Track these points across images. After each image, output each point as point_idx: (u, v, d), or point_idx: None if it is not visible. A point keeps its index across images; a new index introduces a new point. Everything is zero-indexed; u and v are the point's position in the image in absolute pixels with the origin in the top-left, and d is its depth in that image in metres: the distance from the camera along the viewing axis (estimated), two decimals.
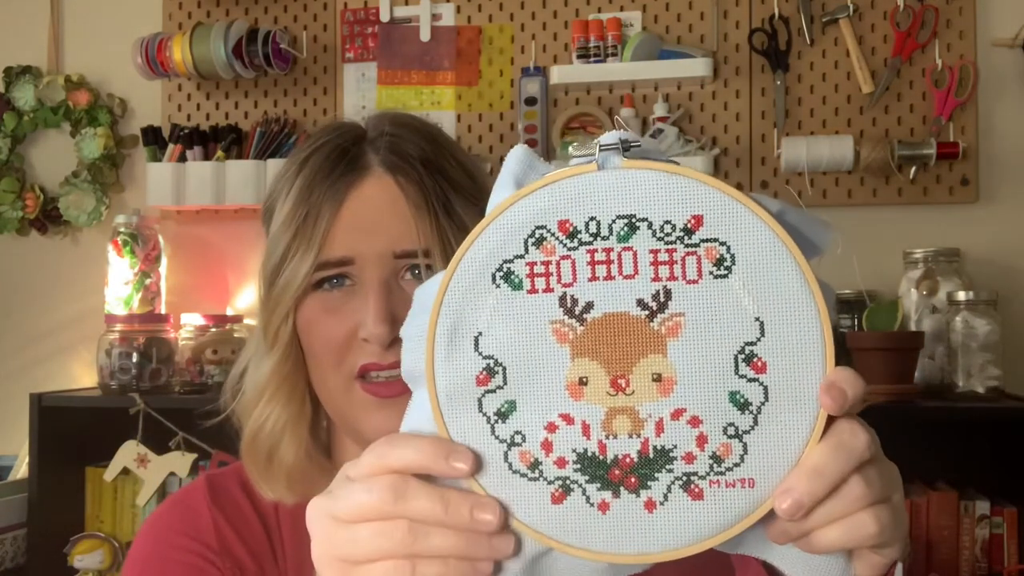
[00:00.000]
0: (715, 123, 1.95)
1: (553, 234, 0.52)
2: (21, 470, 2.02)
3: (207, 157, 2.08)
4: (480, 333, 0.52)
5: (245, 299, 2.14)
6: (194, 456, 1.82)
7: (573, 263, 0.52)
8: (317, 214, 0.82)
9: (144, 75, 2.10)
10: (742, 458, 0.51)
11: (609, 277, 0.51)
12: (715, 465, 0.51)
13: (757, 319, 0.51)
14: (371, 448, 0.53)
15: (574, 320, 0.52)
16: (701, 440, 0.51)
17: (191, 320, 1.99)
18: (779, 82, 1.92)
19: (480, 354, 0.52)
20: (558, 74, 1.95)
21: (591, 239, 0.52)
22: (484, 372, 0.52)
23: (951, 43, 1.87)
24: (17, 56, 2.27)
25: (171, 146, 2.10)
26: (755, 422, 0.51)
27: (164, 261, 2.14)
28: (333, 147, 0.86)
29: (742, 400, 0.51)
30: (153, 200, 2.09)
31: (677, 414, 0.51)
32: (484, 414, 0.52)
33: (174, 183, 2.07)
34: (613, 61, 1.94)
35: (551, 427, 0.52)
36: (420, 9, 2.07)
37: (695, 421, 0.51)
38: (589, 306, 0.52)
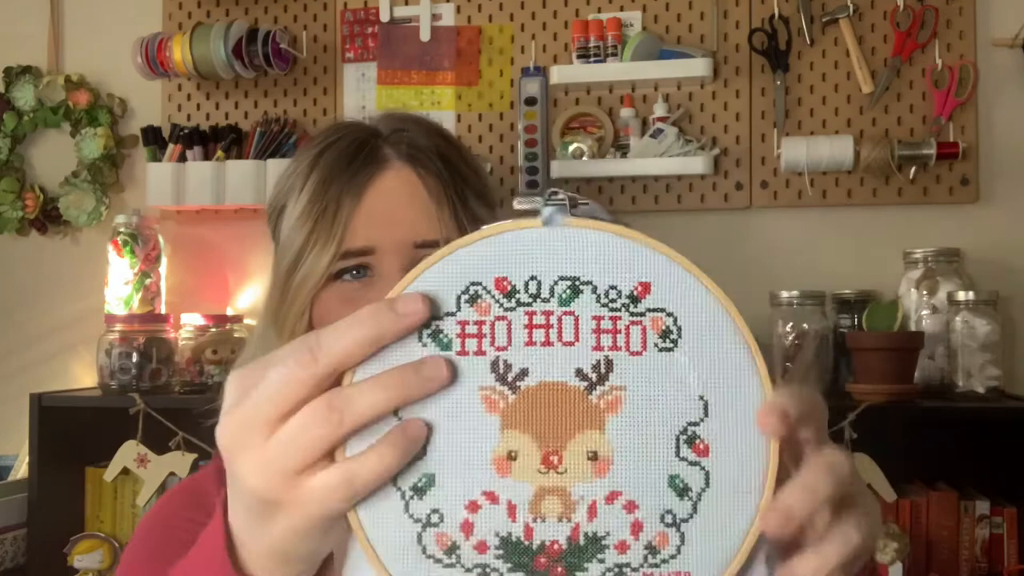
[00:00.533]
0: (715, 123, 1.95)
1: (489, 292, 0.48)
2: (21, 470, 2.02)
3: (207, 157, 2.08)
4: None
5: (245, 299, 2.14)
6: (194, 456, 1.82)
7: (509, 325, 0.47)
8: (337, 206, 0.83)
9: (144, 75, 2.10)
10: (679, 549, 0.47)
11: (547, 343, 0.47)
12: (650, 556, 0.47)
13: (701, 398, 0.47)
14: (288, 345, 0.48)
15: (506, 387, 0.47)
16: (636, 527, 0.47)
17: (191, 320, 1.99)
18: (779, 82, 1.92)
19: (399, 419, 0.47)
20: (558, 74, 1.95)
21: (530, 300, 0.47)
22: None
23: (951, 43, 1.87)
24: (17, 56, 2.27)
25: (171, 146, 2.10)
26: (694, 510, 0.47)
27: (164, 261, 2.14)
28: (349, 142, 0.87)
29: (682, 485, 0.47)
30: (153, 200, 2.09)
31: (612, 497, 0.47)
32: (399, 489, 0.47)
33: (174, 183, 2.07)
34: (613, 61, 1.94)
35: (473, 506, 0.47)
36: (420, 9, 2.07)
37: (631, 506, 0.47)
38: (524, 373, 0.47)
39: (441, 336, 0.47)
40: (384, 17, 2.09)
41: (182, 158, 2.08)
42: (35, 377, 2.17)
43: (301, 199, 0.85)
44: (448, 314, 0.47)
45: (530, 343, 0.47)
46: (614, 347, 0.47)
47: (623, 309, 0.48)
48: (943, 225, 1.88)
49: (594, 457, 0.47)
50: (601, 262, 0.48)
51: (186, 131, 2.09)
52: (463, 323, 0.47)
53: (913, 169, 1.86)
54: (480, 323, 0.47)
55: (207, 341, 1.95)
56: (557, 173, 1.94)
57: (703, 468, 0.47)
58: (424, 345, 0.47)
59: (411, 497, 0.47)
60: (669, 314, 0.48)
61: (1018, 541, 1.66)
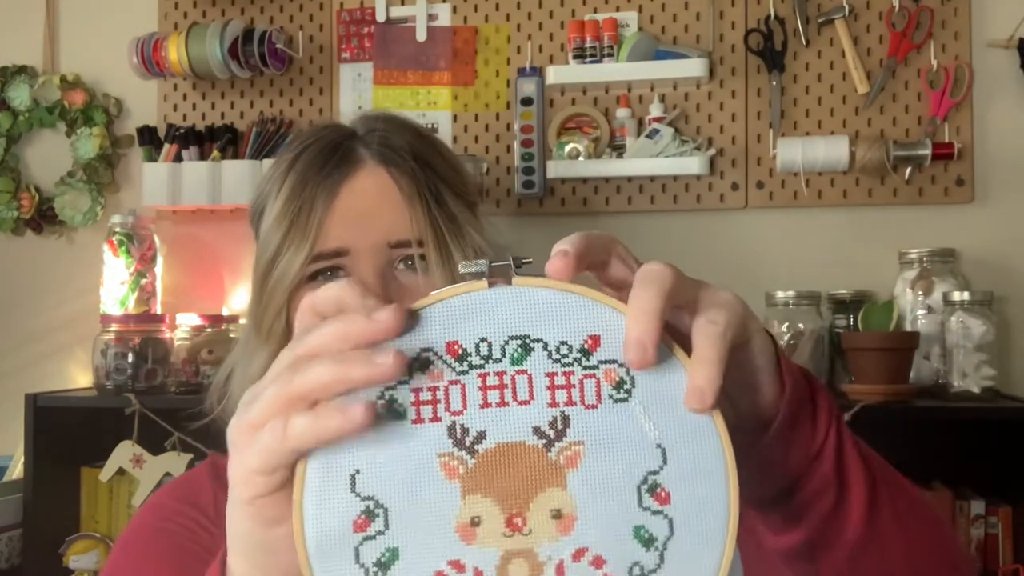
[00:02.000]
0: (711, 123, 1.95)
1: (440, 357, 0.47)
2: (16, 470, 2.01)
3: (203, 157, 2.07)
4: (358, 471, 0.46)
5: (241, 299, 2.14)
6: (190, 456, 1.82)
7: (463, 389, 0.47)
8: (311, 207, 0.84)
9: (140, 75, 2.10)
10: None
11: (502, 403, 0.47)
12: None
13: (659, 445, 0.47)
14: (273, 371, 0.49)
15: (464, 452, 0.47)
16: None
17: (187, 320, 1.99)
18: (775, 83, 1.92)
19: (358, 495, 0.46)
20: (554, 74, 1.95)
21: (482, 362, 0.47)
22: (363, 515, 0.46)
23: (946, 44, 1.88)
24: (12, 56, 2.27)
25: (167, 146, 2.09)
26: (661, 559, 0.47)
27: (160, 261, 2.14)
28: (324, 144, 0.88)
29: (647, 535, 0.47)
30: (149, 200, 2.09)
31: (579, 554, 0.47)
32: (362, 565, 0.46)
33: (170, 183, 2.06)
34: (609, 61, 1.94)
35: None
36: (416, 9, 2.07)
37: (598, 561, 0.47)
38: (481, 436, 0.47)
39: (396, 405, 0.47)
40: (380, 17, 2.09)
41: (178, 158, 2.08)
42: (31, 377, 2.17)
43: (278, 201, 0.86)
44: (400, 383, 0.47)
45: (485, 405, 0.47)
46: (569, 402, 0.47)
47: (575, 363, 0.48)
48: (938, 225, 1.88)
49: (558, 515, 0.47)
50: (550, 318, 0.48)
51: (182, 131, 2.08)
52: (416, 390, 0.47)
53: (908, 170, 1.87)
54: (434, 389, 0.47)
55: (203, 341, 1.95)
56: (553, 173, 1.94)
57: (666, 516, 0.47)
58: (378, 415, 0.46)
59: (375, 572, 0.46)
60: (621, 365, 0.48)
61: (1013, 541, 1.66)
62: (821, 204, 1.92)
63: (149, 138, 2.12)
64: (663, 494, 0.47)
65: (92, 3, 2.26)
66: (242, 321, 2.03)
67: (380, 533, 0.46)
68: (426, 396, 0.47)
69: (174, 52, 2.05)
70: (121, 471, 1.87)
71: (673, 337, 0.49)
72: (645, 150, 1.90)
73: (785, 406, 0.55)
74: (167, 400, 1.87)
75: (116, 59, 2.12)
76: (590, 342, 0.48)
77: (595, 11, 2.00)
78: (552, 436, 0.47)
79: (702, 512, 0.47)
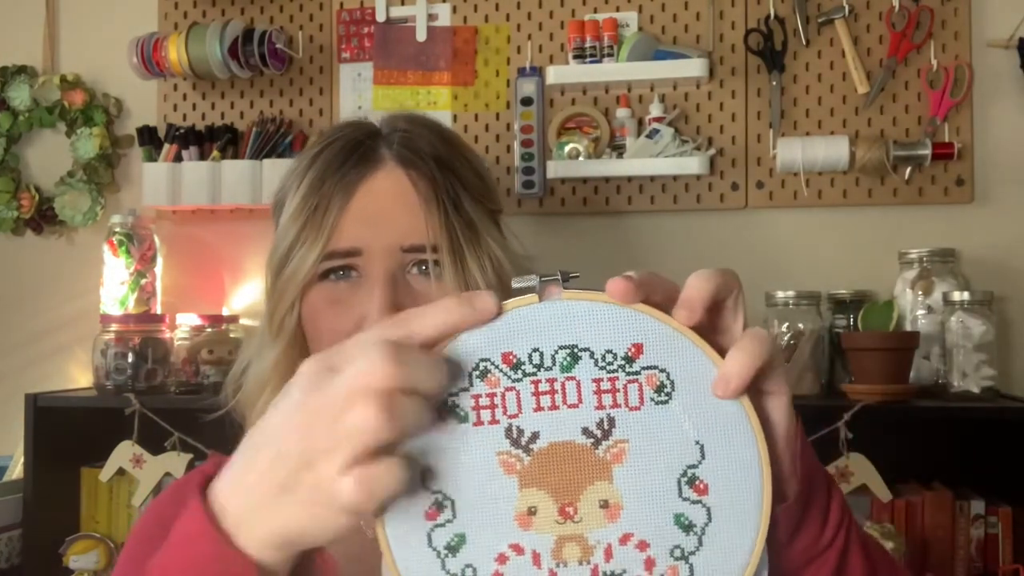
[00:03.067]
0: (711, 123, 1.95)
1: (497, 366, 0.53)
2: (16, 471, 2.01)
3: (203, 157, 2.07)
4: (427, 468, 0.52)
5: (241, 299, 2.14)
6: (190, 456, 1.82)
7: (518, 394, 0.53)
8: (327, 205, 0.83)
9: (140, 75, 2.10)
10: None
11: (554, 407, 0.53)
12: None
13: (697, 442, 0.53)
14: (377, 330, 0.52)
15: (520, 451, 0.52)
16: (649, 563, 0.53)
17: (187, 320, 1.99)
18: (775, 83, 1.92)
19: (429, 489, 0.52)
20: (554, 74, 1.95)
21: (535, 370, 0.53)
22: (433, 507, 0.52)
23: (946, 44, 1.88)
24: (12, 56, 2.27)
25: (167, 146, 2.09)
26: (700, 543, 0.53)
27: (160, 261, 2.14)
28: (346, 141, 0.87)
29: (686, 522, 0.53)
30: (149, 200, 2.09)
31: (625, 539, 0.53)
32: (434, 549, 0.53)
33: (170, 183, 2.06)
34: (609, 61, 1.94)
35: (501, 558, 0.53)
36: (416, 9, 2.07)
37: (643, 545, 0.53)
38: (535, 436, 0.53)
39: (458, 410, 0.53)
40: (380, 17, 2.09)
41: (178, 158, 2.08)
42: (30, 377, 2.17)
43: (296, 196, 0.86)
44: (462, 390, 0.53)
45: (538, 409, 0.53)
46: (615, 405, 0.53)
47: (620, 370, 0.53)
48: (938, 225, 1.88)
49: (605, 505, 0.53)
50: (596, 329, 0.53)
51: (182, 131, 2.08)
52: (476, 396, 0.53)
53: (908, 169, 1.87)
54: (492, 395, 0.53)
55: (203, 341, 1.95)
56: (553, 173, 1.94)
57: (704, 505, 0.53)
58: (443, 420, 0.52)
59: (446, 555, 0.52)
60: (662, 370, 0.53)
61: (1013, 541, 1.66)
62: (821, 204, 1.92)
63: (149, 138, 2.12)
64: (702, 486, 0.53)
65: (92, 3, 2.26)
66: (243, 321, 2.04)
67: (449, 521, 0.52)
68: (485, 401, 0.53)
69: (174, 52, 2.05)
70: (121, 471, 1.87)
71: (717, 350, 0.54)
72: (645, 150, 1.90)
73: (801, 481, 0.59)
74: (167, 400, 1.87)
75: (116, 59, 2.12)
76: (633, 350, 0.53)
77: (595, 11, 2.00)
78: (599, 435, 0.53)
79: (737, 501, 0.53)
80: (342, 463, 0.48)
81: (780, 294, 1.79)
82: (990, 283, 1.81)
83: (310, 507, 0.50)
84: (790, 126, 1.92)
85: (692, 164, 1.89)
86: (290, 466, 0.50)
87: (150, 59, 2.06)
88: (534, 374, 0.53)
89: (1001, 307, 1.83)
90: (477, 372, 0.53)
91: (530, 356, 0.53)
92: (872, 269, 1.89)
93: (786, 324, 1.77)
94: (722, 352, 0.54)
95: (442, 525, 0.52)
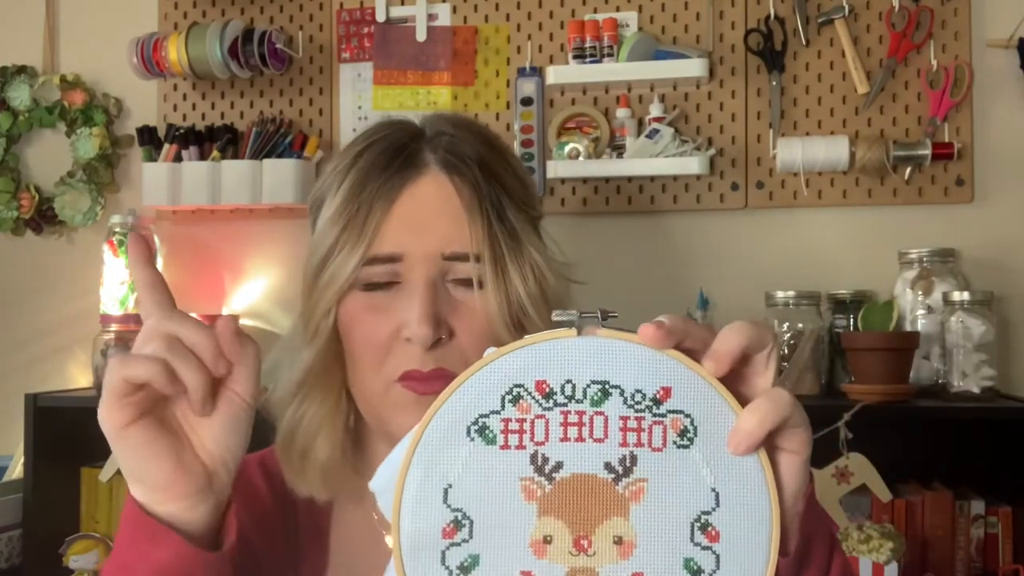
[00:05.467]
0: (711, 124, 1.95)
1: (530, 393, 0.54)
2: (16, 471, 2.01)
3: (203, 157, 2.07)
4: (450, 485, 0.53)
5: (241, 299, 2.14)
6: None
7: (547, 422, 0.54)
8: (369, 209, 0.81)
9: (140, 75, 2.10)
10: None
11: (580, 439, 0.53)
12: None
13: (713, 489, 0.54)
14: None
15: (543, 478, 0.53)
16: None
17: None
18: (775, 83, 1.92)
19: (449, 506, 0.53)
20: (554, 74, 1.95)
21: (566, 401, 0.54)
22: (451, 524, 0.53)
23: (946, 44, 1.88)
24: (12, 56, 2.27)
25: (167, 146, 2.09)
26: None
27: (160, 261, 2.14)
28: (389, 143, 0.85)
29: (695, 567, 0.53)
30: (149, 200, 2.09)
31: None
32: (447, 567, 0.53)
33: (170, 183, 2.06)
34: (609, 61, 1.94)
35: None
36: (416, 9, 2.07)
37: None
38: (559, 466, 0.53)
39: (487, 431, 0.54)
40: (380, 17, 2.09)
41: (178, 158, 2.08)
42: (30, 377, 2.17)
43: (336, 198, 0.84)
44: (493, 412, 0.54)
45: (565, 439, 0.54)
46: (638, 444, 0.54)
47: (647, 410, 0.54)
48: (938, 225, 1.88)
49: (619, 541, 0.53)
50: (628, 368, 0.54)
51: (182, 131, 2.08)
52: (506, 420, 0.54)
53: (908, 169, 1.87)
54: (521, 420, 0.54)
55: None
56: (553, 174, 1.94)
57: (714, 552, 0.53)
58: (472, 439, 0.54)
59: (457, 575, 0.53)
60: (687, 415, 0.54)
61: (1013, 541, 1.66)
62: (821, 204, 1.92)
63: (149, 138, 2.12)
64: (713, 532, 0.53)
65: (92, 3, 2.26)
66: (244, 321, 2.04)
67: (465, 541, 0.53)
68: (514, 426, 0.54)
69: (174, 52, 2.05)
70: (121, 471, 1.87)
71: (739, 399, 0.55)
72: (645, 150, 1.90)
73: (799, 540, 0.60)
74: None
75: (116, 59, 2.12)
76: (662, 392, 0.54)
77: (595, 11, 2.00)
78: (621, 472, 0.53)
79: (745, 552, 0.54)
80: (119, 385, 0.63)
81: (780, 294, 1.79)
82: (990, 283, 1.81)
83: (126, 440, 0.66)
84: (790, 126, 1.92)
85: (692, 164, 1.89)
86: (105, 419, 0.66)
87: (150, 59, 2.06)
88: (565, 405, 0.54)
89: (1001, 307, 1.83)
90: (510, 396, 0.54)
91: (563, 387, 0.54)
92: (872, 269, 1.89)
93: (786, 324, 1.77)
94: (745, 404, 0.55)
95: (458, 544, 0.53)
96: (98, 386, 1.93)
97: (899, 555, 1.49)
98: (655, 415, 0.54)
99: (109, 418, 0.63)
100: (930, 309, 1.78)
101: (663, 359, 0.54)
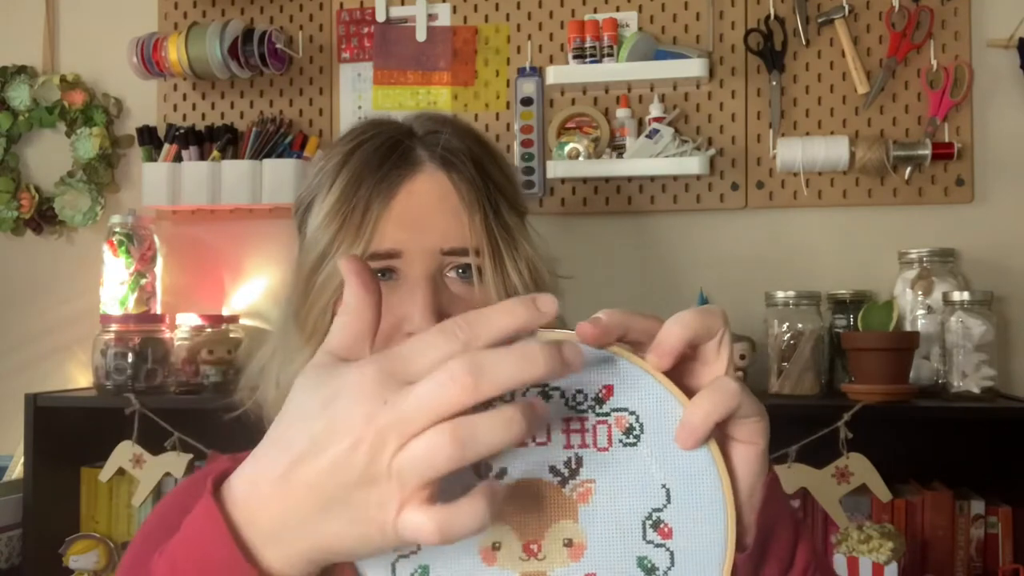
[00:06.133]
0: (711, 123, 1.95)
1: None
2: (16, 470, 2.01)
3: (203, 157, 2.07)
4: None
5: (241, 299, 2.14)
6: (190, 456, 1.82)
7: None
8: (366, 207, 0.82)
9: (140, 75, 2.10)
10: None
11: (522, 443, 0.51)
12: None
13: (664, 486, 0.53)
14: (437, 333, 0.48)
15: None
16: None
17: (187, 320, 1.99)
18: (774, 83, 1.92)
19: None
20: (554, 74, 1.95)
21: None
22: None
23: (946, 44, 1.88)
24: (12, 56, 2.27)
25: (167, 146, 2.09)
26: None
27: (160, 261, 2.14)
28: (381, 141, 0.85)
29: (649, 565, 0.53)
30: (148, 200, 2.09)
31: None
32: None
33: (170, 183, 2.06)
34: (609, 61, 1.94)
35: None
36: (416, 9, 2.07)
37: None
38: (503, 472, 0.52)
39: None
40: (380, 17, 2.09)
41: (178, 158, 2.08)
42: (30, 377, 2.17)
43: (329, 197, 0.84)
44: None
45: None
46: (583, 445, 0.53)
47: (589, 410, 0.53)
48: (938, 225, 1.88)
49: (569, 544, 0.52)
50: None
51: (182, 131, 2.08)
52: None
53: (908, 169, 1.87)
54: None
55: (203, 341, 1.95)
56: (553, 174, 1.94)
57: (668, 549, 0.53)
58: None
59: None
60: (631, 412, 0.53)
61: (1013, 541, 1.66)
62: (821, 204, 1.92)
63: (149, 138, 2.12)
64: (666, 529, 0.53)
65: (92, 3, 2.26)
66: (244, 321, 2.04)
67: (413, 553, 0.52)
68: None
69: (174, 52, 2.05)
70: (121, 471, 1.87)
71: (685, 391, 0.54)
72: (645, 150, 1.90)
73: (758, 533, 0.58)
74: (167, 400, 1.87)
75: (116, 59, 2.12)
76: (604, 391, 0.53)
77: (595, 11, 2.00)
78: (566, 474, 0.53)
79: (700, 547, 0.53)
80: (408, 491, 0.45)
81: (780, 294, 1.79)
82: (990, 283, 1.81)
83: (363, 526, 0.47)
84: (790, 126, 1.92)
85: (692, 164, 1.88)
86: (347, 481, 0.46)
87: (150, 59, 2.06)
88: None
89: (1001, 307, 1.83)
90: None
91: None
92: (872, 269, 1.89)
93: (786, 324, 1.77)
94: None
95: (406, 556, 0.52)
96: (98, 386, 1.94)
97: (899, 555, 1.49)
98: (598, 415, 0.53)
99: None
100: (930, 309, 1.78)
101: (603, 356, 0.53)
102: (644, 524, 0.53)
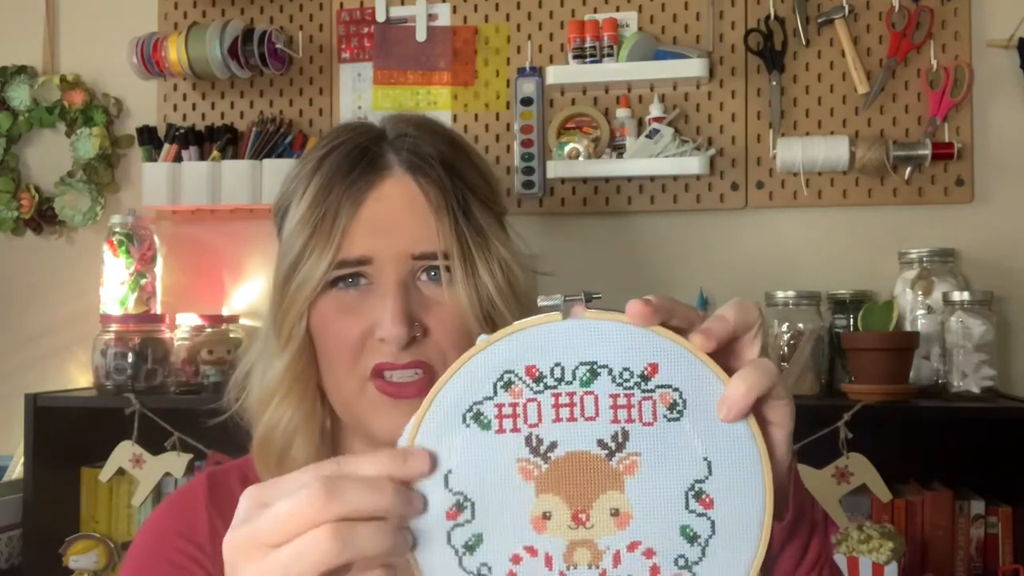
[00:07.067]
0: (711, 123, 1.95)
1: (520, 378, 0.56)
2: (16, 470, 2.01)
3: (203, 157, 2.07)
4: (450, 470, 0.55)
5: (241, 299, 2.14)
6: (190, 456, 1.82)
7: (539, 405, 0.56)
8: (335, 213, 0.82)
9: (140, 75, 2.10)
10: None
11: (572, 419, 0.55)
12: None
13: (705, 459, 0.56)
14: (312, 467, 0.54)
15: (539, 459, 0.55)
16: (655, 571, 0.55)
17: (187, 320, 1.99)
18: (775, 83, 1.92)
19: (450, 490, 0.55)
20: (554, 74, 1.95)
21: (556, 383, 0.56)
22: (454, 507, 0.55)
23: (946, 44, 1.88)
24: (12, 56, 2.26)
25: (167, 146, 2.09)
26: (703, 553, 0.55)
27: (160, 261, 2.14)
28: (352, 146, 0.86)
29: (691, 533, 0.55)
30: (148, 200, 2.09)
31: (633, 546, 0.55)
32: (452, 547, 0.55)
33: (170, 183, 2.06)
34: (609, 61, 1.94)
35: (516, 559, 0.55)
36: (416, 9, 2.07)
37: (649, 553, 0.55)
38: (553, 445, 0.55)
39: (482, 417, 0.56)
40: (380, 17, 2.09)
41: (178, 158, 2.08)
42: (30, 377, 2.17)
43: (302, 204, 0.84)
44: (487, 398, 0.56)
45: (557, 420, 0.56)
46: (629, 420, 0.56)
47: (636, 387, 0.56)
48: (938, 225, 1.88)
49: (616, 513, 0.55)
50: (615, 348, 0.56)
51: (182, 131, 2.08)
52: (499, 405, 0.56)
53: (908, 169, 1.87)
54: (514, 405, 0.56)
55: (203, 341, 1.95)
56: (553, 173, 1.94)
57: (709, 518, 0.55)
58: (467, 426, 0.55)
59: (463, 553, 0.55)
60: (675, 389, 0.56)
61: (1013, 541, 1.66)
62: (821, 204, 1.92)
63: (149, 138, 2.12)
64: (707, 500, 0.55)
65: (92, 3, 2.26)
66: (243, 321, 2.04)
67: (468, 522, 0.55)
68: (507, 411, 0.56)
69: (174, 52, 2.05)
70: (121, 471, 1.87)
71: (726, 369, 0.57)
72: (645, 150, 1.90)
73: (792, 509, 0.62)
74: (167, 400, 1.87)
75: (116, 59, 2.12)
76: (649, 369, 0.56)
77: (595, 11, 2.00)
78: (613, 448, 0.56)
79: (741, 516, 0.56)
80: None
81: (780, 294, 1.79)
82: (990, 283, 1.81)
83: None
84: (790, 126, 1.92)
85: (692, 164, 1.88)
86: None
87: (150, 59, 2.06)
88: (555, 387, 0.55)
89: (1001, 307, 1.83)
90: (501, 383, 0.56)
91: (552, 370, 0.56)
92: (872, 269, 1.89)
93: (786, 324, 1.77)
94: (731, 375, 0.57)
95: (461, 525, 0.55)
96: (98, 386, 1.94)
97: (899, 555, 1.49)
98: (644, 391, 0.55)
99: None
100: (930, 309, 1.78)
101: (649, 336, 0.56)
102: (687, 495, 0.55)
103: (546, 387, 0.56)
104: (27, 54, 2.27)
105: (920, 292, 1.78)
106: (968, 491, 1.71)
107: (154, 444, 1.83)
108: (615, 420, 0.55)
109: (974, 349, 1.69)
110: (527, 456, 0.55)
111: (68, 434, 1.93)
